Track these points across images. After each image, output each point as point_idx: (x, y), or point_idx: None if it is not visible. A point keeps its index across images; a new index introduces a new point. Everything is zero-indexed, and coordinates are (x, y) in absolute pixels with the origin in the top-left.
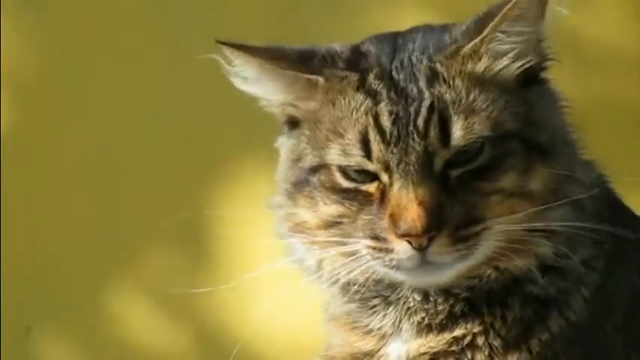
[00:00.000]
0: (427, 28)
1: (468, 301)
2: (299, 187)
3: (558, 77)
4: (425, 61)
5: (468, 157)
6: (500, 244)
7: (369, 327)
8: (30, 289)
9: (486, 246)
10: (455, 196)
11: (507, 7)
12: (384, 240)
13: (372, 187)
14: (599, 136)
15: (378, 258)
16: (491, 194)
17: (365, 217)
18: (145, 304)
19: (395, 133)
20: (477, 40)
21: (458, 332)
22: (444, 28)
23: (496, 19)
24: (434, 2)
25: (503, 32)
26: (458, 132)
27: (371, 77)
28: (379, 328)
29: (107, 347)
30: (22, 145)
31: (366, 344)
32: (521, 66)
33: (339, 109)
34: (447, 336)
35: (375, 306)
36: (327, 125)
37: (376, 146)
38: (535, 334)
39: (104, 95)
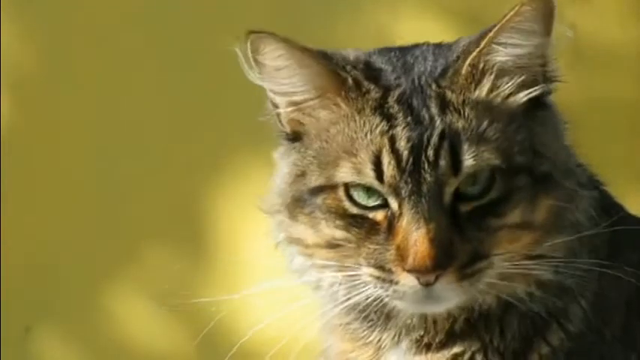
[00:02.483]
0: (434, 48)
1: (466, 321)
2: (300, 204)
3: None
4: (434, 87)
5: (480, 190)
6: (501, 272)
7: (367, 340)
8: (30, 289)
9: (488, 278)
10: (464, 233)
11: (505, 19)
12: (390, 271)
13: (379, 215)
14: (598, 135)
15: (381, 288)
16: (499, 230)
17: (370, 246)
18: (145, 304)
19: (410, 161)
20: (475, 53)
21: (457, 350)
22: (449, 48)
23: (492, 32)
24: (434, 3)
25: (500, 44)
26: (468, 160)
27: (391, 99)
28: (378, 341)
29: (107, 347)
30: (22, 145)
31: (363, 354)
32: (530, 93)
33: (353, 129)
34: (446, 354)
35: (374, 320)
36: (339, 143)
37: (390, 170)
38: (535, 348)
39: (104, 95)
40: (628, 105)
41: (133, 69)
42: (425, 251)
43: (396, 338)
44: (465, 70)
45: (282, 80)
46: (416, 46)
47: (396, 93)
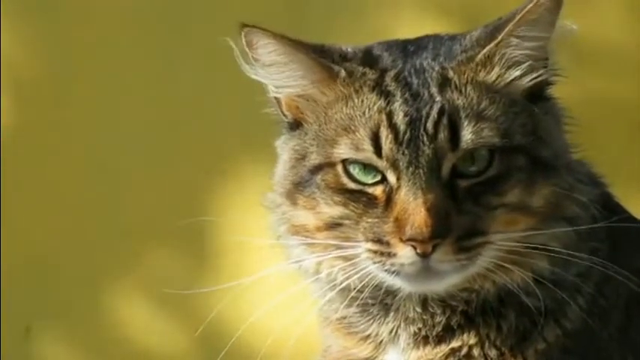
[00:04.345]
0: (436, 38)
1: (464, 314)
2: (300, 187)
3: (558, 77)
4: (437, 68)
5: (478, 170)
6: (499, 256)
7: (366, 333)
8: (30, 289)
9: (486, 257)
10: (461, 206)
11: (524, 11)
12: (387, 244)
13: (377, 190)
14: (598, 135)
15: (379, 262)
16: (497, 208)
17: (368, 220)
18: (145, 304)
19: (407, 134)
20: (492, 45)
21: (455, 344)
22: (453, 38)
23: (511, 24)
24: (434, 3)
25: (518, 37)
26: (467, 135)
27: (388, 78)
28: (376, 335)
29: (107, 347)
30: (22, 145)
31: (363, 351)
32: (533, 79)
33: (351, 108)
34: (444, 348)
35: (373, 313)
36: (337, 122)
37: (388, 144)
38: (531, 343)
39: (104, 95)
40: (628, 105)
41: (134, 70)
42: (422, 220)
43: (394, 332)
44: (479, 58)
45: (276, 74)
46: (420, 37)
47: (393, 72)
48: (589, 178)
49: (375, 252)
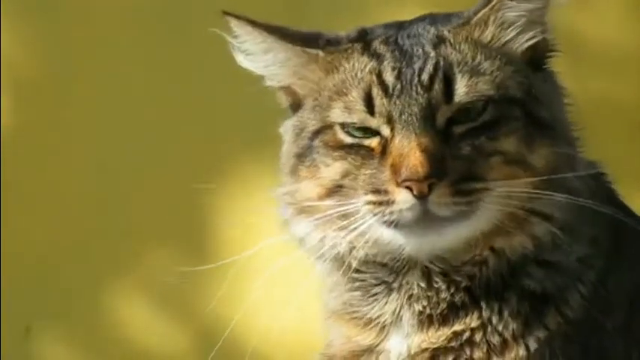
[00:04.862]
0: (433, 15)
1: (468, 292)
2: (302, 157)
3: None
4: (432, 30)
5: (471, 115)
6: (500, 212)
7: (369, 316)
8: (30, 289)
9: (487, 209)
10: (457, 151)
11: None
12: (385, 192)
13: (374, 142)
14: (598, 135)
15: (379, 213)
16: (493, 155)
17: (366, 172)
18: (145, 304)
19: (398, 86)
20: (486, 9)
21: (457, 327)
22: (451, 14)
23: None
24: (435, 2)
25: None
26: (461, 89)
27: (376, 43)
28: (379, 317)
29: (107, 347)
30: (22, 145)
31: (366, 338)
32: (529, 39)
33: (343, 73)
34: (446, 331)
35: (376, 294)
36: (330, 89)
37: (379, 100)
38: (533, 331)
39: (104, 95)
40: (628, 105)
41: (134, 70)
42: (417, 160)
43: (397, 312)
44: (474, 21)
45: (262, 61)
46: (417, 17)
47: (381, 38)
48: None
49: (375, 202)
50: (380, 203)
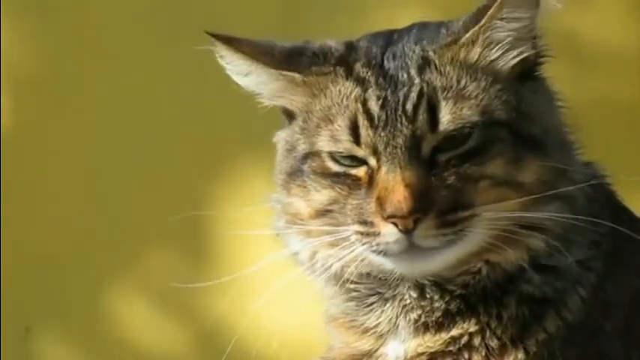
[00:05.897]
0: (423, 25)
1: (463, 299)
2: (292, 176)
3: (557, 77)
4: (417, 51)
5: (457, 143)
6: (491, 234)
7: (366, 325)
8: (30, 289)
9: (476, 234)
10: (443, 181)
11: None
12: (371, 224)
13: (360, 172)
14: (597, 135)
15: (366, 243)
16: (480, 180)
17: (353, 202)
18: (145, 304)
19: (383, 117)
20: (475, 29)
21: (455, 332)
22: (440, 24)
23: (494, 7)
24: (434, 3)
25: (501, 19)
26: (446, 116)
27: (358, 66)
28: (375, 326)
29: (107, 347)
30: (22, 145)
31: (364, 344)
32: (516, 56)
33: (329, 98)
34: (444, 336)
35: (371, 304)
36: (318, 114)
37: (365, 131)
38: (532, 334)
39: (104, 95)
40: (628, 105)
41: (134, 70)
42: (400, 196)
43: (393, 321)
44: (462, 41)
45: (246, 81)
46: (408, 25)
47: (363, 61)
48: (592, 171)
49: (362, 233)
50: (367, 234)
